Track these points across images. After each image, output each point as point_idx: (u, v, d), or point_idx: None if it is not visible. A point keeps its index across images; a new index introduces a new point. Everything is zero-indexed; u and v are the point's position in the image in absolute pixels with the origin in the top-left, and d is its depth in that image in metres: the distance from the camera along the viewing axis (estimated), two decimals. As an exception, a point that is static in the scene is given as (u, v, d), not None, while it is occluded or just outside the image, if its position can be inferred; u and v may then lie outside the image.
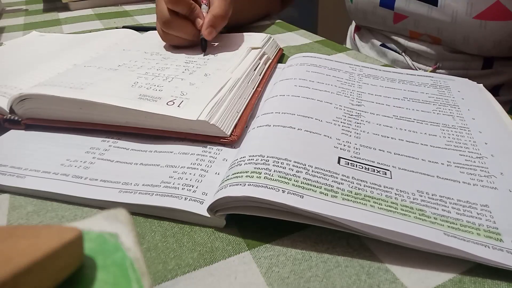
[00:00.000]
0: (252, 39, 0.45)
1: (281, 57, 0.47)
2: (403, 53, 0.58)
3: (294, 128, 0.27)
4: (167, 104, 0.29)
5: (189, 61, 0.39)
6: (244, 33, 0.48)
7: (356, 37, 0.69)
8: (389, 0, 0.55)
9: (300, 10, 1.76)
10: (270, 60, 0.43)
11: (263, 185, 0.21)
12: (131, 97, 0.30)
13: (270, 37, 0.46)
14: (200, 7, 0.43)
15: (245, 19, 0.60)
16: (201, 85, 0.33)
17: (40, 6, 0.82)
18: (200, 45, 0.42)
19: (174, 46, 0.45)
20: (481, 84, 0.37)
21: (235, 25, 0.58)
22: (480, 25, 0.48)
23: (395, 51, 0.59)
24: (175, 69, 0.37)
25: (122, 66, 0.38)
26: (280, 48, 0.48)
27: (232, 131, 0.29)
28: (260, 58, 0.40)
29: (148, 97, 0.30)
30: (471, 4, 0.47)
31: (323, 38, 0.54)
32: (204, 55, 0.42)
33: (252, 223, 0.22)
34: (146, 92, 0.31)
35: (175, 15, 0.41)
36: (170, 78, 0.34)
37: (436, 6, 0.50)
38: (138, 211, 0.24)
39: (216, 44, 0.45)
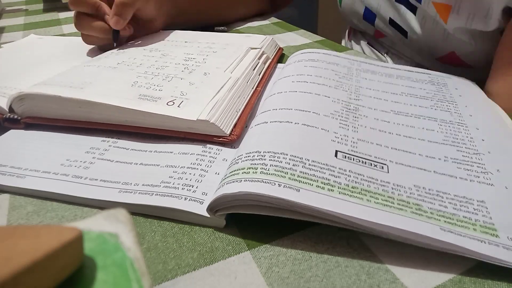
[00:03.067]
0: (251, 40, 0.45)
1: (281, 57, 0.47)
2: (385, 54, 0.60)
3: (291, 122, 0.27)
4: (167, 104, 0.29)
5: (188, 58, 0.39)
6: (244, 34, 0.48)
7: (350, 39, 0.71)
8: (371, 16, 0.57)
9: (300, 10, 1.76)
10: (270, 60, 0.43)
11: (259, 179, 0.21)
12: (131, 97, 0.30)
13: (270, 38, 0.46)
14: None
15: (231, 16, 0.63)
16: (201, 85, 0.33)
17: (40, 6, 0.82)
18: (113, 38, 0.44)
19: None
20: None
21: (221, 22, 0.61)
22: (444, 66, 0.50)
23: (379, 51, 0.62)
24: (175, 67, 0.37)
25: (121, 63, 0.38)
26: (280, 48, 0.48)
27: (232, 130, 0.29)
28: (259, 58, 0.40)
29: (148, 97, 0.30)
30: (433, 47, 0.49)
31: (323, 38, 0.54)
32: (115, 46, 0.44)
33: (252, 223, 0.22)
34: (146, 92, 0.31)
35: (84, 15, 0.43)
36: (169, 78, 0.34)
37: (406, 38, 0.52)
38: (138, 211, 0.24)
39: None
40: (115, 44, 0.44)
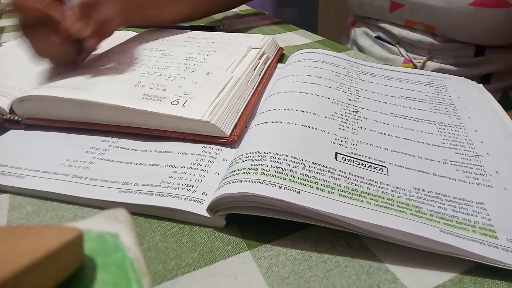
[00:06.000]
0: (252, 39, 0.45)
1: (281, 57, 0.47)
2: (397, 45, 0.59)
3: (292, 123, 0.27)
4: (171, 103, 0.29)
5: (189, 58, 0.39)
6: (244, 34, 0.48)
7: (353, 29, 0.70)
8: None
9: (300, 10, 1.76)
10: (270, 60, 0.43)
11: (260, 181, 0.21)
12: (135, 97, 0.30)
13: (270, 38, 0.46)
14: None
15: (197, 11, 0.55)
16: (204, 84, 0.33)
17: (40, 6, 0.82)
18: None
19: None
20: (481, 84, 0.37)
21: (185, 18, 0.54)
22: (475, 11, 0.49)
23: (389, 43, 0.60)
24: (176, 67, 0.37)
25: (123, 64, 0.38)
26: (280, 47, 0.48)
27: (232, 131, 0.29)
28: (260, 58, 0.40)
29: (153, 96, 0.30)
30: None
31: (323, 38, 0.54)
32: (80, 59, 0.37)
33: (252, 223, 0.22)
34: (150, 91, 0.31)
35: (29, 23, 0.32)
36: (172, 77, 0.34)
37: None
38: (138, 211, 0.24)
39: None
40: (80, 57, 0.35)
